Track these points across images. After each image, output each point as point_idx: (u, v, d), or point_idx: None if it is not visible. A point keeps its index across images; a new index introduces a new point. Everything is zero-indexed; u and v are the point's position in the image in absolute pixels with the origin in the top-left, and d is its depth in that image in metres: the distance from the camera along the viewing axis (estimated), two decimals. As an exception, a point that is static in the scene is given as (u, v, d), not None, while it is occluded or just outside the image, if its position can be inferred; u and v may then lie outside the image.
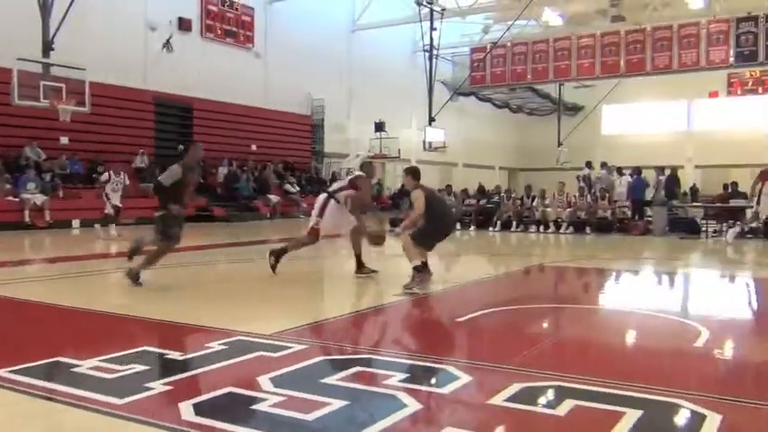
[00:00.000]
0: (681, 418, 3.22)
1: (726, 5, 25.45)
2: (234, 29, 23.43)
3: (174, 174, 7.16)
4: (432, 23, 25.25)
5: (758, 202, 13.16)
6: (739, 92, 32.25)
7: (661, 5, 28.19)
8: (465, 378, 3.74)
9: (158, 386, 3.53)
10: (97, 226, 14.10)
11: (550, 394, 3.50)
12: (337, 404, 3.26)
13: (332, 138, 27.34)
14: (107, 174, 14.32)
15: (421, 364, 4.27)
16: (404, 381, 3.68)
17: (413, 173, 7.56)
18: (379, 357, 4.23)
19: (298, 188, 23.63)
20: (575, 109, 36.79)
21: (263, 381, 3.62)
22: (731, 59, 21.99)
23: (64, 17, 15.53)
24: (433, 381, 3.86)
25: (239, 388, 3.54)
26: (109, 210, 13.87)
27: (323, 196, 8.23)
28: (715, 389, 3.74)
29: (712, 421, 3.06)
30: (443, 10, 25.74)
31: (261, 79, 24.16)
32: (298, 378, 3.74)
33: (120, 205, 14.02)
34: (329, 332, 5.23)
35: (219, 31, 22.90)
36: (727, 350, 4.96)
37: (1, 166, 16.11)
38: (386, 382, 3.64)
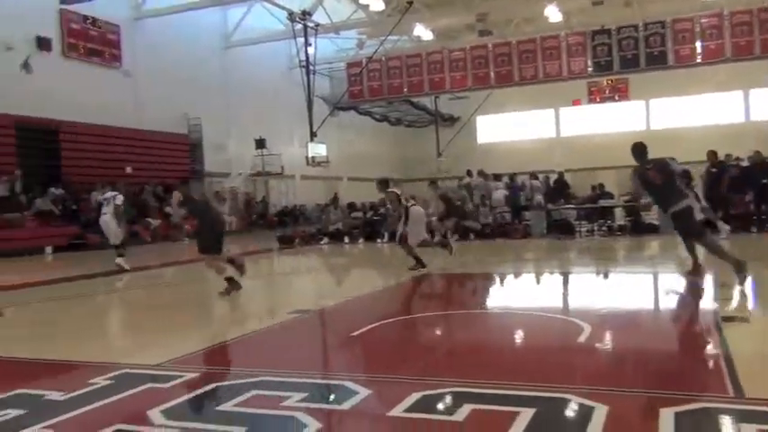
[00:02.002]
0: (571, 412, 3.36)
1: (582, 19, 27.27)
2: (98, 47, 22.34)
3: None
4: (306, 39, 25.26)
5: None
6: (598, 99, 34.73)
7: (523, 21, 29.80)
8: (364, 392, 3.73)
9: (37, 431, 3.28)
10: None
11: (448, 400, 3.56)
12: (235, 431, 3.16)
13: (212, 157, 26.66)
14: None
15: (318, 381, 4.23)
16: (302, 400, 3.62)
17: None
18: (275, 379, 4.13)
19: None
20: (451, 120, 38.01)
21: (155, 414, 3.45)
22: (589, 69, 23.47)
23: None
24: (332, 398, 3.84)
25: (128, 424, 3.36)
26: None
27: None
28: (600, 381, 3.95)
29: (600, 412, 3.22)
30: (317, 25, 25.83)
31: (132, 99, 23.15)
32: (192, 408, 3.61)
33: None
34: (220, 357, 5.08)
35: (83, 50, 21.72)
36: (608, 344, 5.27)
37: None
38: (284, 403, 3.57)
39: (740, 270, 6.95)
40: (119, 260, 11.93)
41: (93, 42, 22.07)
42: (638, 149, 7.97)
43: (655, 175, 7.66)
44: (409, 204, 10.42)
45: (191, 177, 9.05)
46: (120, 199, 12.36)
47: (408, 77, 25.83)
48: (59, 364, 4.92)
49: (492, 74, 24.71)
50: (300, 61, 26.20)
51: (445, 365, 4.61)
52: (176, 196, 8.99)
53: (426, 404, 3.49)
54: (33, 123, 19.52)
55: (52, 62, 20.34)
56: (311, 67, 25.69)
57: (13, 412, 3.60)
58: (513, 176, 19.73)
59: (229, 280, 8.26)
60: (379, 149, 38.01)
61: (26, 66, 19.27)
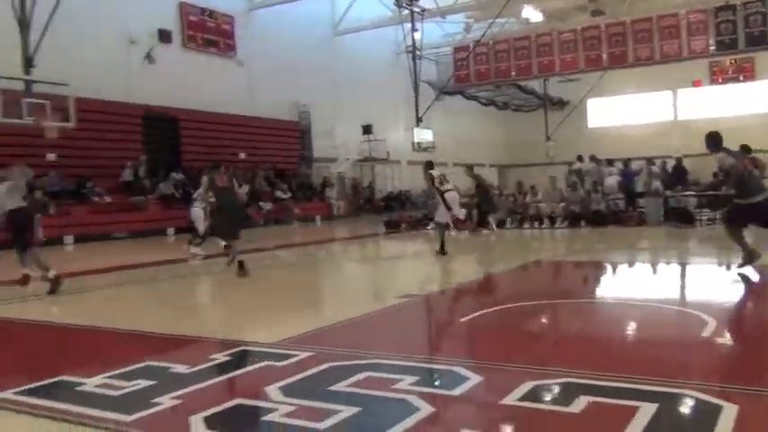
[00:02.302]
0: (696, 410, 3.19)
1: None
2: (215, 38, 23.32)
3: None
4: (413, 24, 25.24)
5: None
6: (721, 80, 32.59)
7: (637, 0, 28.36)
8: (475, 379, 3.70)
9: (166, 401, 3.48)
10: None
11: (563, 391, 3.47)
12: (348, 411, 3.22)
13: (320, 143, 27.29)
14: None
15: (428, 366, 4.24)
16: (413, 384, 3.63)
17: None
18: (386, 361, 4.18)
19: (289, 194, 23.57)
20: (561, 103, 36.93)
21: (272, 391, 3.57)
22: (711, 48, 22.05)
23: (44, 33, 15.37)
24: (443, 383, 3.83)
25: (248, 399, 3.50)
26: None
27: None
28: (728, 379, 3.72)
29: (729, 412, 3.03)
30: (423, 10, 25.73)
31: (245, 87, 24.03)
32: (306, 386, 3.70)
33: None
34: (332, 338, 5.18)
35: (200, 41, 22.77)
36: (736, 339, 4.95)
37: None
38: (395, 386, 3.60)
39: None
40: (194, 249, 12.02)
41: (209, 33, 23.06)
42: (715, 139, 7.54)
43: (748, 163, 7.37)
44: (444, 188, 10.69)
45: (216, 164, 9.38)
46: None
47: (516, 60, 25.25)
48: (183, 340, 5.19)
49: (605, 55, 23.74)
50: (407, 47, 26.24)
51: (558, 355, 4.49)
52: (204, 181, 9.45)
53: (540, 394, 3.41)
54: (156, 112, 20.69)
55: (172, 53, 21.44)
56: (417, 53, 25.66)
57: (143, 383, 3.84)
58: (627, 162, 18.91)
59: (240, 264, 8.78)
60: (486, 134, 37.52)
61: (149, 57, 20.41)
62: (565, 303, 6.64)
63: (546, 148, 33.76)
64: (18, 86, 14.98)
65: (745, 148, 12.31)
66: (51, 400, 3.63)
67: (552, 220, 17.10)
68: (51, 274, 7.84)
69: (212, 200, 9.49)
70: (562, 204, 17.19)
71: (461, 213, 11.22)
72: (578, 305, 6.55)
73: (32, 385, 3.84)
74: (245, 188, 12.63)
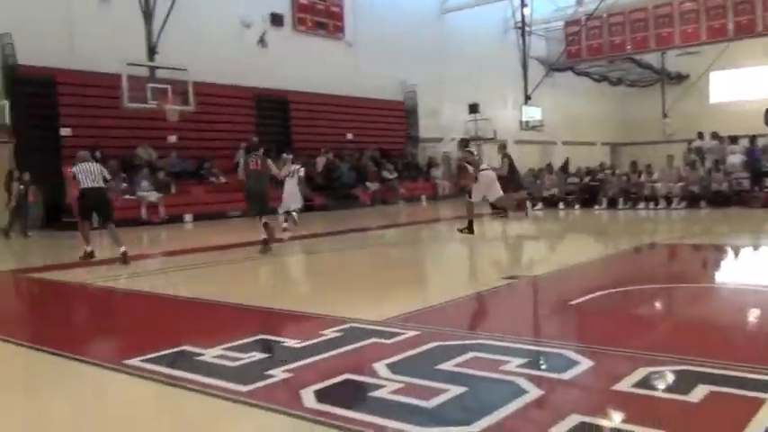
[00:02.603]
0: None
1: None
2: (324, 20, 23.72)
3: None
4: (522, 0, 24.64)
5: None
6: None
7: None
8: (586, 363, 3.61)
9: (279, 373, 3.62)
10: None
11: (680, 379, 3.32)
12: (456, 390, 3.22)
13: (426, 122, 27.25)
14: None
15: (537, 348, 4.17)
16: (521, 366, 3.59)
17: None
18: (493, 342, 4.15)
19: (395, 174, 23.72)
20: (679, 78, 34.92)
21: (380, 367, 3.63)
22: None
23: (165, 21, 16.21)
24: (552, 366, 3.75)
25: (357, 374, 3.58)
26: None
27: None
28: None
29: None
30: (535, -16, 25.05)
31: (353, 68, 24.33)
32: (413, 364, 3.73)
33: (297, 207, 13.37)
34: (438, 317, 5.19)
35: (311, 24, 23.24)
36: None
37: (117, 167, 17.06)
38: (503, 367, 3.57)
39: None
40: (286, 224, 12.41)
41: (319, 15, 23.49)
42: None
43: None
44: (481, 168, 10.92)
45: (255, 146, 10.45)
46: (302, 171, 13.48)
47: (632, 34, 24.16)
48: (293, 315, 5.38)
49: (730, 25, 22.27)
50: (516, 23, 25.65)
51: (674, 341, 4.29)
52: (240, 164, 10.49)
53: (655, 381, 3.29)
54: (268, 95, 21.37)
55: (284, 36, 22.03)
56: (527, 29, 25.03)
57: (257, 355, 4.02)
58: (753, 139, 17.67)
59: (264, 242, 9.54)
60: (597, 111, 36.14)
61: (262, 41, 21.06)
62: (682, 288, 6.33)
63: (662, 126, 32.08)
64: (143, 73, 15.92)
65: None
66: (174, 368, 3.87)
67: (669, 200, 16.30)
68: (122, 249, 8.88)
69: (242, 180, 10.20)
70: (680, 184, 16.33)
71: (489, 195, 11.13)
72: (696, 290, 6.23)
73: (156, 354, 4.10)
74: (301, 170, 13.15)
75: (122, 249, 8.84)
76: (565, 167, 21.02)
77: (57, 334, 5.25)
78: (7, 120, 15.21)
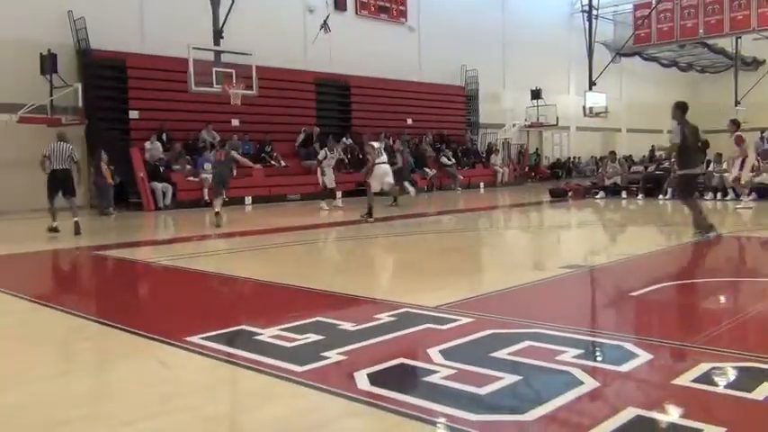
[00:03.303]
0: None
1: None
2: (387, 4, 23.67)
3: None
4: (590, -19, 24.01)
5: None
6: None
7: None
8: (645, 356, 3.53)
9: (333, 355, 3.67)
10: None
11: (744, 376, 3.22)
12: (510, 379, 3.21)
13: (486, 108, 26.94)
14: (323, 151, 15.66)
15: (594, 339, 4.10)
16: (577, 357, 3.54)
17: None
18: (549, 332, 4.10)
19: (453, 160, 23.57)
20: (755, 63, 33.45)
21: (433, 353, 3.64)
22: None
23: (231, 6, 16.46)
24: (610, 358, 3.69)
25: (410, 359, 3.60)
26: (322, 185, 15.47)
27: None
28: None
29: None
30: (603, -34, 24.36)
31: (415, 53, 24.24)
32: (467, 351, 3.72)
33: (333, 185, 15.73)
34: (493, 305, 5.16)
35: (373, 8, 23.24)
36: None
37: (182, 149, 17.51)
38: (558, 357, 3.52)
39: None
40: (323, 203, 15.03)
41: (382, 0, 23.43)
42: None
43: None
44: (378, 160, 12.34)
45: (222, 142, 13.42)
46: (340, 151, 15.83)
47: (705, 17, 23.24)
48: (350, 299, 5.43)
49: (812, 7, 21.14)
50: (582, 6, 25.02)
51: (738, 337, 4.15)
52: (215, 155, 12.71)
53: (717, 376, 3.20)
54: (328, 79, 21.51)
55: (346, 21, 22.08)
56: (594, 12, 24.39)
57: (313, 337, 4.08)
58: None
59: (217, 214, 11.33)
60: (665, 98, 34.61)
61: (325, 26, 21.16)
62: (748, 282, 6.10)
63: (734, 114, 30.80)
64: (208, 57, 16.23)
65: None
66: (233, 347, 3.97)
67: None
68: (75, 219, 10.22)
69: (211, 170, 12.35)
70: (751, 174, 15.68)
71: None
72: (765, 284, 5.99)
73: (216, 332, 4.21)
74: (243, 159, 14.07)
75: (75, 219, 10.15)
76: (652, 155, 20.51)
77: (125, 310, 5.46)
78: (80, 102, 15.77)
